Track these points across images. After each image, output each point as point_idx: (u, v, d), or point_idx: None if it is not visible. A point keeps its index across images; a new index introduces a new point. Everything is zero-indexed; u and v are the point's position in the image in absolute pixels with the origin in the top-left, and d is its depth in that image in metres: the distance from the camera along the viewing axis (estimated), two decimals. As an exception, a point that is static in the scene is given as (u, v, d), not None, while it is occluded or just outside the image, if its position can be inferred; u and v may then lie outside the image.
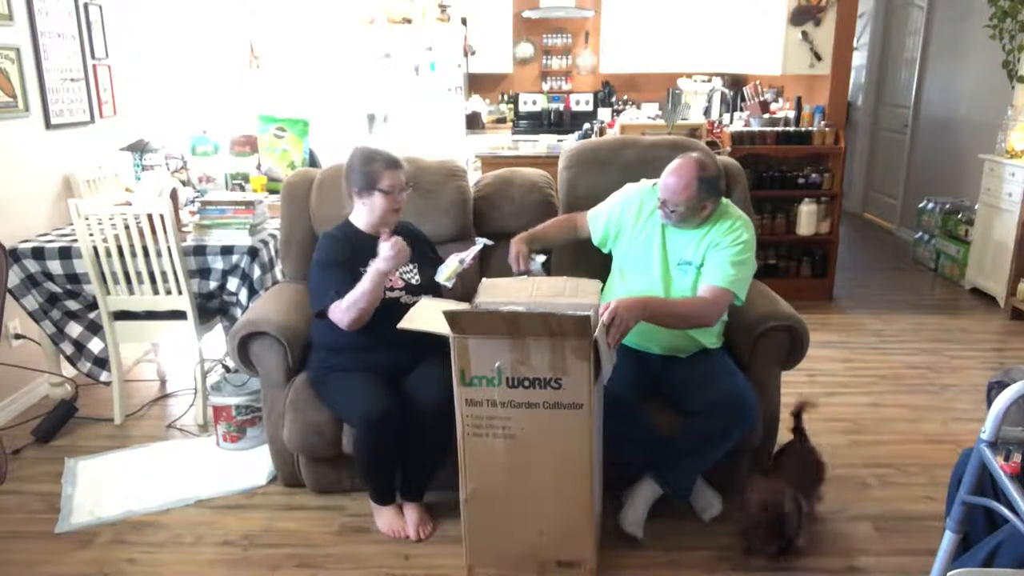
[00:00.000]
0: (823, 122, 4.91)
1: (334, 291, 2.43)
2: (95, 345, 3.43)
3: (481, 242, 2.57)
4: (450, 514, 2.50)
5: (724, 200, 2.54)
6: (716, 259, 2.43)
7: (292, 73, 6.13)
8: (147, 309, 3.21)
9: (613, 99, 7.41)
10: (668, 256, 2.53)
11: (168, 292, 3.17)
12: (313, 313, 2.55)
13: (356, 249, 2.53)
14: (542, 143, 5.32)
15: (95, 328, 3.39)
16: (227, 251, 3.19)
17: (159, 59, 4.81)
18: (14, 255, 3.15)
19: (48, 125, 3.70)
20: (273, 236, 3.34)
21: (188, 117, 4.87)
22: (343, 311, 2.40)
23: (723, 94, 5.85)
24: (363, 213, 2.56)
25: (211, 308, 3.35)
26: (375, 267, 2.38)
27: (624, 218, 2.63)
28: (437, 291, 2.57)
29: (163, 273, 3.14)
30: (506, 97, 7.57)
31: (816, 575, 2.32)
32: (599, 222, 2.71)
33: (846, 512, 2.62)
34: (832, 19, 4.92)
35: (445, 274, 2.48)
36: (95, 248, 3.10)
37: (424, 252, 2.72)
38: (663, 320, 2.37)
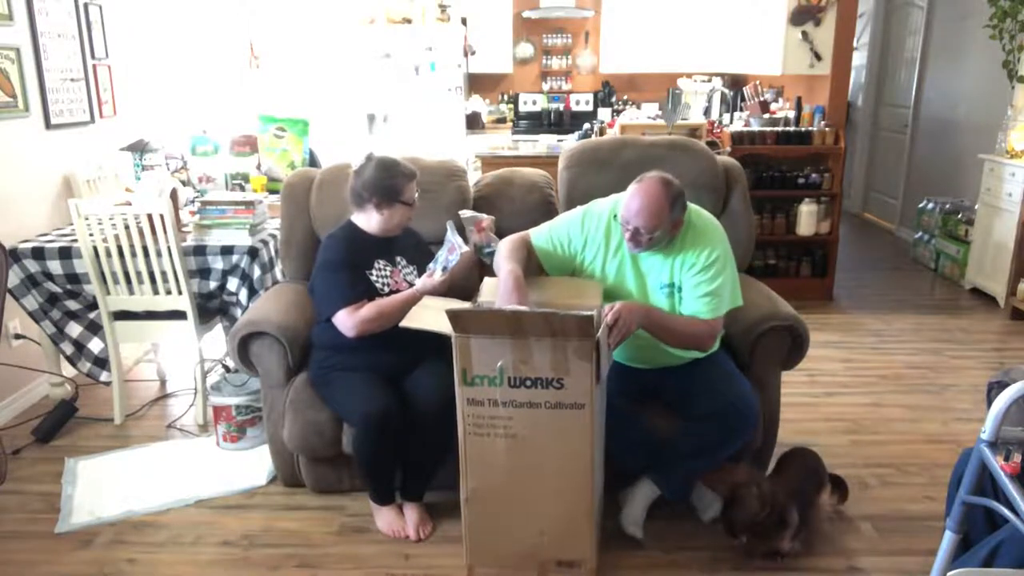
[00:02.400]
0: (823, 122, 4.91)
1: (341, 298, 2.44)
2: (95, 345, 3.42)
3: (456, 254, 2.49)
4: (450, 514, 2.50)
5: (690, 207, 2.37)
6: (694, 288, 2.32)
7: (292, 73, 6.13)
8: (147, 309, 3.21)
9: (613, 99, 7.41)
10: (647, 281, 2.41)
11: (168, 292, 3.17)
12: (320, 319, 2.55)
13: (362, 251, 2.54)
14: (542, 143, 5.32)
15: (95, 328, 3.39)
16: (227, 251, 3.19)
17: (159, 59, 4.81)
18: (14, 255, 3.15)
19: (48, 125, 3.70)
20: (273, 236, 3.34)
21: (188, 117, 4.87)
22: (365, 320, 2.42)
23: (723, 94, 5.85)
24: (375, 220, 2.55)
25: (211, 308, 3.35)
26: (418, 288, 2.47)
27: (591, 243, 2.43)
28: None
29: (163, 273, 3.13)
30: (506, 97, 7.57)
31: (816, 575, 2.32)
32: (555, 242, 2.48)
33: (846, 512, 2.62)
34: (832, 19, 4.92)
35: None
36: (95, 248, 3.10)
37: (422, 252, 2.73)
38: (660, 333, 2.30)
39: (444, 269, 2.48)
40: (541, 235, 2.51)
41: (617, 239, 2.41)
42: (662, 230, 2.26)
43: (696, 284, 2.32)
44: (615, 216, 2.38)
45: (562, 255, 2.47)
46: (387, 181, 2.50)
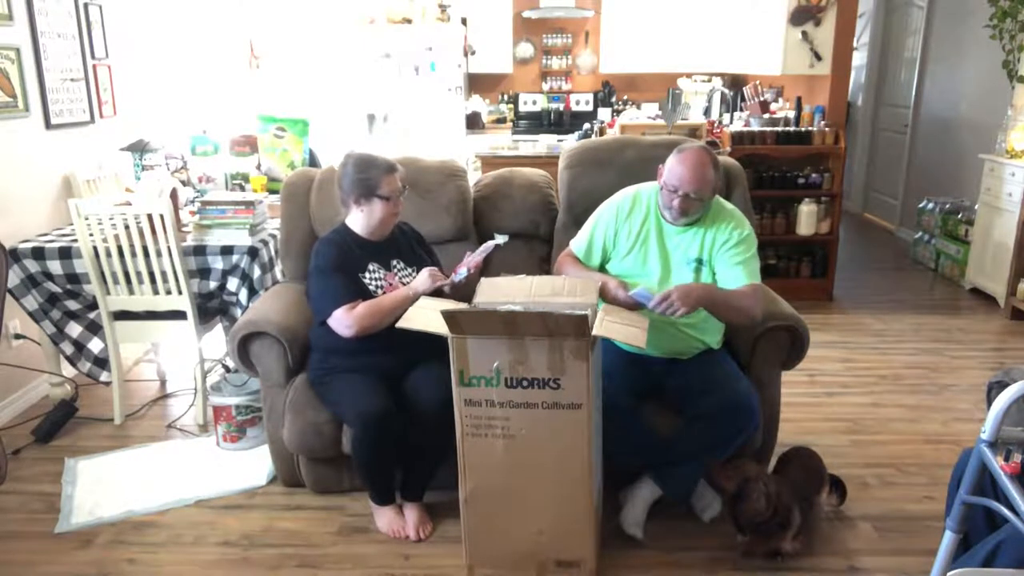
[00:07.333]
0: (823, 122, 4.91)
1: (337, 299, 2.44)
2: (95, 345, 3.43)
3: (493, 242, 2.58)
4: (450, 514, 2.50)
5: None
6: (730, 259, 2.42)
7: (292, 73, 6.12)
8: (147, 309, 3.21)
9: (613, 99, 7.41)
10: (670, 257, 2.50)
11: (168, 292, 3.17)
12: (317, 321, 2.55)
13: (355, 254, 2.54)
14: (542, 143, 5.31)
15: (95, 328, 3.39)
16: (227, 251, 3.19)
17: (159, 59, 4.81)
18: (14, 255, 3.15)
19: (48, 125, 3.70)
20: (273, 236, 3.34)
21: (188, 117, 4.87)
22: (359, 318, 2.41)
23: (723, 94, 5.85)
24: (361, 219, 2.55)
25: (211, 308, 3.35)
26: (413, 289, 2.46)
27: (620, 231, 2.55)
28: (437, 291, 2.57)
29: (163, 273, 3.13)
30: (506, 97, 7.57)
31: (816, 575, 2.32)
32: (594, 250, 2.59)
33: (846, 512, 2.62)
34: (832, 19, 4.92)
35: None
36: (95, 248, 3.10)
37: (421, 254, 2.72)
38: (720, 309, 2.39)
39: (468, 269, 2.50)
40: (581, 247, 2.62)
41: (640, 219, 2.53)
42: (708, 193, 2.39)
43: (732, 256, 2.43)
44: (637, 199, 2.54)
45: (607, 252, 2.58)
46: (362, 176, 2.48)
